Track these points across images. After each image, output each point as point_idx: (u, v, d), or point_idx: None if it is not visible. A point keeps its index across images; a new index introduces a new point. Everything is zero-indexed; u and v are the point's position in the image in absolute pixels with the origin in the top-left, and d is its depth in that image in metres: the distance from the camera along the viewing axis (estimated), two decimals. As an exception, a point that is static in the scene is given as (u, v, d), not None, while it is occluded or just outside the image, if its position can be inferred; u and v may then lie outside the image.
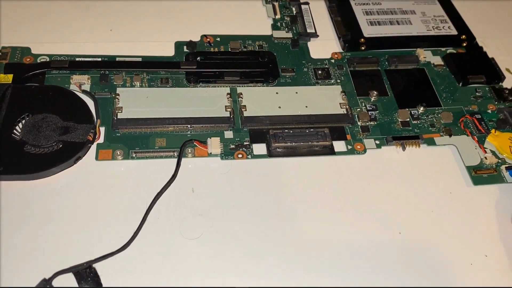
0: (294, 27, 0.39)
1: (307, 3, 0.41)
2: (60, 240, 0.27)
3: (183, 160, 0.30)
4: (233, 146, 0.31)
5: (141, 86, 0.34)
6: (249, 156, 0.31)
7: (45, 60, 0.34)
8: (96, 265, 0.26)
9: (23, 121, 0.30)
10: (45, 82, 0.33)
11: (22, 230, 0.27)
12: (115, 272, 0.26)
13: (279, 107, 0.33)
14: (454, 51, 0.39)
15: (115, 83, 0.33)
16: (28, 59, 0.34)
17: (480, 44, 0.40)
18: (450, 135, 0.33)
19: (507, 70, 0.39)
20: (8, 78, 0.32)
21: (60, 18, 0.38)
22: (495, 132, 0.33)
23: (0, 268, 0.25)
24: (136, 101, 0.32)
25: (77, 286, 0.25)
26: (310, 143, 0.32)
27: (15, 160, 0.28)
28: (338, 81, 0.36)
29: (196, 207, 0.29)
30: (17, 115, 0.30)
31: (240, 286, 0.26)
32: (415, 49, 0.39)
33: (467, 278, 0.28)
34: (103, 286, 0.25)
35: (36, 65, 0.33)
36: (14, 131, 0.29)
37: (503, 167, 0.32)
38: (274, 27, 0.39)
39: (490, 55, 0.39)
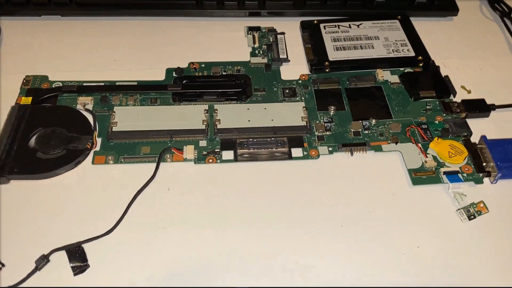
0: (269, 54, 0.46)
1: (283, 33, 0.47)
2: (59, 226, 0.33)
3: (163, 164, 0.37)
4: (205, 153, 0.37)
5: (134, 105, 0.41)
6: (219, 161, 0.37)
7: (58, 85, 0.42)
8: (85, 245, 0.32)
9: (37, 133, 0.37)
10: (58, 103, 0.40)
11: (31, 218, 0.34)
12: (100, 252, 0.32)
13: (249, 121, 0.39)
14: (411, 70, 0.44)
15: (113, 103, 0.40)
16: (45, 85, 0.42)
17: (439, 64, 0.45)
18: (396, 143, 0.38)
19: (462, 87, 0.43)
20: (28, 100, 0.40)
21: (75, 51, 0.46)
22: (437, 140, 0.38)
23: (9, 246, 0.32)
24: (129, 117, 0.39)
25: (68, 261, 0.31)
26: (270, 149, 0.37)
27: (28, 163, 0.36)
28: (303, 98, 0.42)
29: (169, 202, 0.35)
30: (33, 129, 0.38)
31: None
32: (375, 69, 0.44)
33: (399, 266, 0.32)
34: (88, 262, 0.31)
35: (50, 90, 0.41)
36: (30, 141, 0.37)
37: (441, 170, 0.36)
38: (252, 54, 0.46)
39: (449, 74, 0.44)
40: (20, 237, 0.33)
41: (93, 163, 0.37)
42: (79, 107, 0.40)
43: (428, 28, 0.49)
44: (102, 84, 0.42)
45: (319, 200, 0.35)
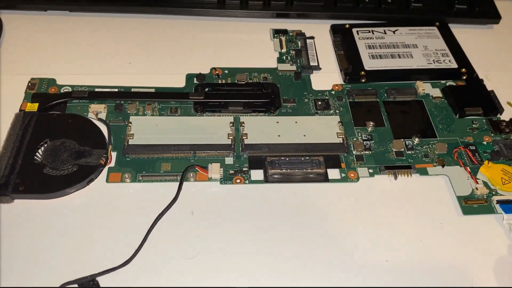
0: (298, 60, 0.42)
1: (312, 38, 0.43)
2: (69, 254, 0.29)
3: (185, 183, 0.33)
4: (232, 172, 0.34)
5: (152, 115, 0.37)
6: (247, 182, 0.33)
7: (67, 90, 0.37)
8: (99, 278, 0.28)
9: (44, 146, 0.33)
10: (67, 110, 0.36)
11: (37, 244, 0.30)
12: (117, 285, 0.28)
13: (279, 136, 0.36)
14: (454, 84, 0.40)
15: (128, 111, 0.37)
16: (53, 89, 0.38)
17: (481, 77, 0.41)
18: (443, 166, 0.35)
19: (508, 103, 0.40)
20: (34, 106, 0.36)
21: (85, 51, 0.42)
22: (488, 164, 0.34)
23: (14, 277, 0.28)
24: (147, 129, 0.35)
25: (81, 297, 0.28)
26: (305, 170, 0.34)
27: (35, 180, 0.32)
28: (337, 111, 0.38)
29: (194, 228, 0.31)
30: (40, 140, 0.34)
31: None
32: (415, 81, 0.40)
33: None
34: (105, 298, 0.28)
35: (59, 95, 0.37)
36: (36, 154, 0.33)
37: (494, 198, 0.33)
38: (280, 60, 0.42)
39: (492, 88, 0.40)
40: (25, 266, 0.29)
41: (107, 181, 0.33)
42: (91, 115, 0.36)
43: (466, 37, 0.45)
44: (116, 90, 0.38)
45: (360, 229, 0.32)
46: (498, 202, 0.33)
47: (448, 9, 0.46)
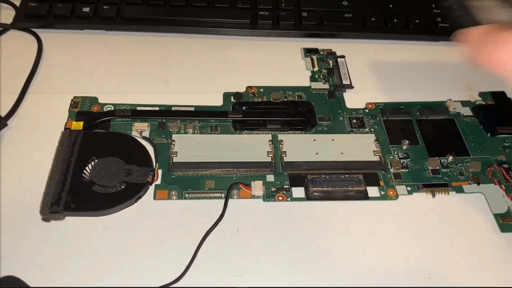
0: (330, 79, 0.43)
1: (343, 57, 0.44)
2: (120, 271, 0.30)
3: (230, 201, 0.34)
4: (274, 189, 0.35)
5: (193, 133, 0.38)
6: (289, 199, 0.34)
7: (110, 108, 0.39)
8: (152, 295, 0.29)
9: (92, 163, 0.34)
10: (110, 128, 0.37)
11: (89, 261, 0.30)
12: (169, 301, 0.29)
13: (317, 153, 0.37)
14: (483, 103, 0.41)
15: (171, 130, 0.37)
16: (96, 108, 0.39)
17: (510, 95, 0.42)
18: (478, 184, 0.35)
19: (536, 121, 0.41)
20: (79, 125, 0.37)
21: (123, 70, 0.43)
22: (522, 182, 0.35)
23: (72, 294, 0.29)
24: (189, 147, 0.36)
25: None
26: (345, 188, 0.35)
27: (85, 198, 0.32)
28: (372, 129, 0.39)
29: (241, 246, 0.32)
30: (86, 158, 0.35)
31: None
32: (446, 100, 0.41)
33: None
34: (159, 314, 0.28)
35: (103, 114, 0.38)
36: (84, 172, 0.34)
37: (530, 215, 0.34)
38: (312, 78, 0.43)
39: (519, 107, 0.41)
40: (78, 282, 0.29)
41: (155, 198, 0.34)
42: (135, 134, 0.37)
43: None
44: (157, 108, 0.39)
45: (402, 246, 0.32)
46: (534, 219, 0.34)
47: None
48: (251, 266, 0.31)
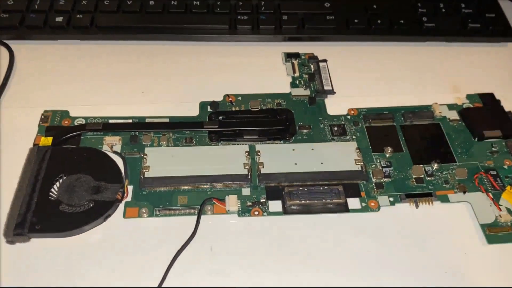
0: (312, 85, 0.41)
1: (325, 61, 0.43)
2: (88, 295, 0.29)
3: (203, 217, 0.32)
4: (250, 204, 0.33)
5: (167, 145, 0.36)
6: (265, 213, 0.33)
7: (81, 122, 0.37)
8: (120, 320, 0.28)
9: (59, 181, 0.33)
10: (81, 143, 0.36)
11: (56, 284, 0.29)
12: (137, 326, 0.28)
13: (295, 164, 0.35)
14: (471, 105, 0.40)
15: (143, 143, 0.36)
16: (67, 122, 0.37)
17: (498, 98, 0.41)
18: (465, 192, 0.34)
19: (526, 123, 0.39)
20: (48, 141, 0.35)
21: (96, 81, 0.41)
22: (510, 189, 0.34)
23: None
24: (162, 160, 0.35)
25: None
26: (324, 200, 0.33)
27: (52, 218, 0.31)
28: (354, 137, 0.37)
29: (213, 264, 0.30)
30: (54, 175, 0.33)
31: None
32: (431, 104, 0.40)
33: None
34: None
35: (73, 128, 0.37)
36: (52, 190, 0.33)
37: (519, 225, 0.32)
38: (293, 84, 0.41)
39: (510, 109, 0.39)
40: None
41: (124, 216, 0.32)
42: (105, 148, 0.36)
43: (481, 56, 0.45)
44: (131, 121, 0.37)
45: (383, 260, 0.31)
46: (523, 228, 0.32)
47: (462, 28, 0.45)
48: (225, 286, 0.29)
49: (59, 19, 0.44)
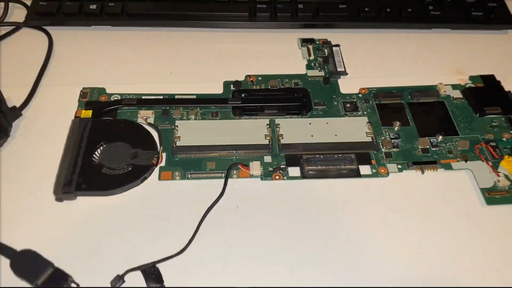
0: (326, 67, 0.45)
1: (338, 45, 0.46)
2: (130, 245, 0.33)
3: (229, 180, 0.36)
4: (272, 169, 0.37)
5: (195, 119, 0.40)
6: (285, 178, 0.36)
7: (117, 98, 0.41)
8: (159, 265, 0.31)
9: (101, 148, 0.37)
10: (118, 116, 0.40)
11: (100, 236, 0.33)
12: (174, 271, 0.31)
13: (312, 136, 0.39)
14: (473, 85, 0.43)
15: (174, 116, 0.40)
16: (104, 98, 0.41)
17: (499, 79, 0.44)
18: (466, 161, 0.37)
19: (525, 102, 0.43)
20: (89, 113, 0.39)
21: (129, 62, 0.45)
22: (508, 158, 0.37)
23: (82, 266, 0.31)
24: (192, 132, 0.38)
25: (143, 282, 0.31)
26: (338, 166, 0.37)
27: (95, 179, 0.35)
28: (365, 113, 0.41)
29: (239, 221, 0.34)
30: (95, 143, 0.37)
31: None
32: (437, 84, 0.43)
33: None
34: (164, 283, 0.31)
35: (110, 103, 0.40)
36: (94, 155, 0.36)
37: (515, 189, 0.36)
38: (308, 67, 0.45)
39: (510, 89, 0.43)
40: (92, 256, 0.32)
41: (159, 179, 0.36)
42: (140, 120, 0.39)
43: (483, 42, 0.48)
44: (161, 97, 0.41)
45: (391, 220, 0.34)
46: (520, 192, 0.35)
47: (465, 17, 0.49)
48: (249, 240, 0.33)
49: (93, 6, 0.48)
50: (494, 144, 0.38)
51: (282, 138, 0.38)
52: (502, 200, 0.35)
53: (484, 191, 0.36)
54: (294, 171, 0.37)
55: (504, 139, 0.39)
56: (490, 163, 0.37)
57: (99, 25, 0.48)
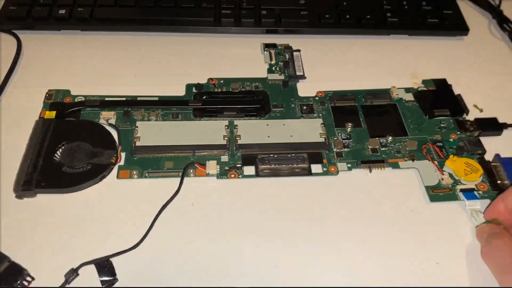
0: (286, 71, 0.47)
1: (298, 50, 0.48)
2: (85, 239, 0.34)
3: (186, 179, 0.37)
4: (227, 168, 0.38)
5: (156, 120, 0.41)
6: (240, 176, 0.38)
7: (81, 99, 0.42)
8: (113, 259, 0.33)
9: (62, 148, 0.38)
10: (81, 117, 0.41)
11: (57, 231, 0.34)
12: (128, 265, 0.33)
13: (268, 136, 0.40)
14: (425, 89, 0.45)
15: (135, 117, 0.41)
16: (68, 99, 0.42)
17: (451, 83, 0.46)
18: (413, 160, 0.39)
19: (475, 105, 0.45)
20: (52, 114, 0.41)
21: (95, 66, 0.47)
22: (453, 158, 0.39)
23: (38, 260, 0.33)
24: (151, 132, 0.40)
25: (97, 275, 0.32)
26: (291, 165, 0.38)
27: (55, 177, 0.36)
28: (320, 115, 0.43)
29: (194, 217, 0.36)
30: (57, 143, 0.38)
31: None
32: (390, 87, 0.45)
33: (419, 283, 0.33)
34: (117, 276, 0.32)
35: (74, 104, 0.42)
36: (55, 155, 0.38)
37: (458, 187, 0.37)
38: (269, 71, 0.47)
39: (462, 93, 0.45)
40: (48, 250, 0.33)
41: (117, 177, 0.37)
42: (102, 121, 0.41)
43: (439, 48, 0.51)
44: (124, 99, 0.43)
45: (339, 216, 0.36)
46: (461, 190, 0.37)
47: (422, 23, 0.51)
48: (202, 235, 0.34)
49: (62, 11, 0.49)
50: (441, 144, 0.40)
51: (240, 139, 0.40)
52: (445, 197, 0.37)
53: (429, 188, 0.37)
54: (249, 170, 0.38)
55: (451, 139, 0.41)
56: (436, 162, 0.39)
57: (68, 29, 0.50)
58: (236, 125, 0.41)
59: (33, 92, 0.43)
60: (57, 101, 0.42)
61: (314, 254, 0.34)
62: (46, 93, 0.43)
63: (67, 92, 0.43)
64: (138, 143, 0.39)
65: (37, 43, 0.49)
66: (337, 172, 0.38)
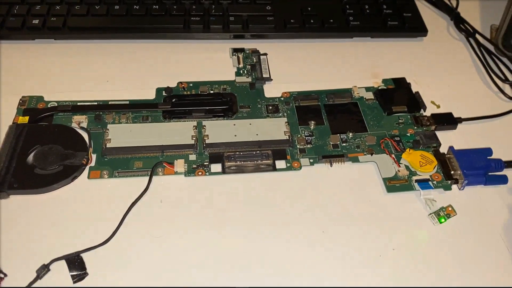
0: (253, 73, 0.49)
1: (265, 54, 0.50)
2: (58, 237, 0.35)
3: (155, 177, 0.39)
4: (195, 166, 0.40)
5: (126, 123, 0.43)
6: (207, 174, 0.40)
7: (54, 105, 0.44)
8: (83, 255, 0.34)
9: (35, 151, 0.39)
10: (53, 121, 0.42)
11: (31, 230, 0.35)
12: (98, 260, 0.34)
13: (235, 136, 0.42)
14: (385, 87, 0.47)
15: (106, 121, 0.43)
16: (41, 105, 0.44)
17: (410, 81, 0.48)
18: (372, 154, 0.41)
19: (432, 102, 0.47)
20: (25, 119, 0.42)
21: (68, 72, 0.48)
22: (409, 151, 0.41)
23: (11, 258, 0.34)
24: (122, 134, 0.41)
25: (67, 270, 0.33)
26: (256, 162, 0.40)
27: (27, 179, 0.38)
28: (285, 114, 0.45)
29: (162, 213, 0.37)
30: (30, 146, 0.40)
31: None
32: (351, 87, 0.47)
33: (377, 268, 0.35)
34: (87, 270, 0.33)
35: (46, 109, 0.43)
36: (28, 157, 0.39)
37: (413, 178, 0.40)
38: (237, 74, 0.49)
39: (421, 91, 0.47)
40: (21, 248, 0.34)
41: (88, 177, 0.39)
42: (74, 125, 0.42)
43: (400, 48, 0.53)
44: (96, 103, 0.44)
45: (302, 208, 0.38)
46: (416, 181, 0.39)
47: (382, 26, 0.53)
48: (170, 229, 0.36)
49: (35, 21, 0.50)
50: (398, 139, 0.43)
51: (207, 138, 0.42)
52: (401, 187, 0.39)
53: (386, 180, 0.39)
54: (216, 167, 0.40)
55: (408, 134, 0.43)
56: (393, 156, 0.41)
57: (42, 38, 0.51)
58: (204, 126, 0.43)
59: (7, 99, 0.45)
60: (31, 107, 0.44)
61: (277, 245, 0.36)
62: (20, 99, 0.44)
63: (40, 98, 0.44)
64: (108, 145, 0.40)
65: (12, 52, 0.50)
66: (300, 167, 0.40)
